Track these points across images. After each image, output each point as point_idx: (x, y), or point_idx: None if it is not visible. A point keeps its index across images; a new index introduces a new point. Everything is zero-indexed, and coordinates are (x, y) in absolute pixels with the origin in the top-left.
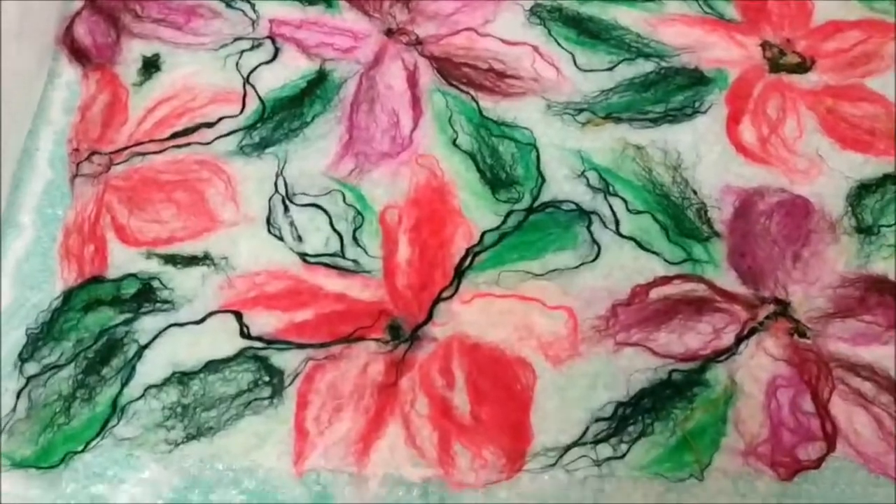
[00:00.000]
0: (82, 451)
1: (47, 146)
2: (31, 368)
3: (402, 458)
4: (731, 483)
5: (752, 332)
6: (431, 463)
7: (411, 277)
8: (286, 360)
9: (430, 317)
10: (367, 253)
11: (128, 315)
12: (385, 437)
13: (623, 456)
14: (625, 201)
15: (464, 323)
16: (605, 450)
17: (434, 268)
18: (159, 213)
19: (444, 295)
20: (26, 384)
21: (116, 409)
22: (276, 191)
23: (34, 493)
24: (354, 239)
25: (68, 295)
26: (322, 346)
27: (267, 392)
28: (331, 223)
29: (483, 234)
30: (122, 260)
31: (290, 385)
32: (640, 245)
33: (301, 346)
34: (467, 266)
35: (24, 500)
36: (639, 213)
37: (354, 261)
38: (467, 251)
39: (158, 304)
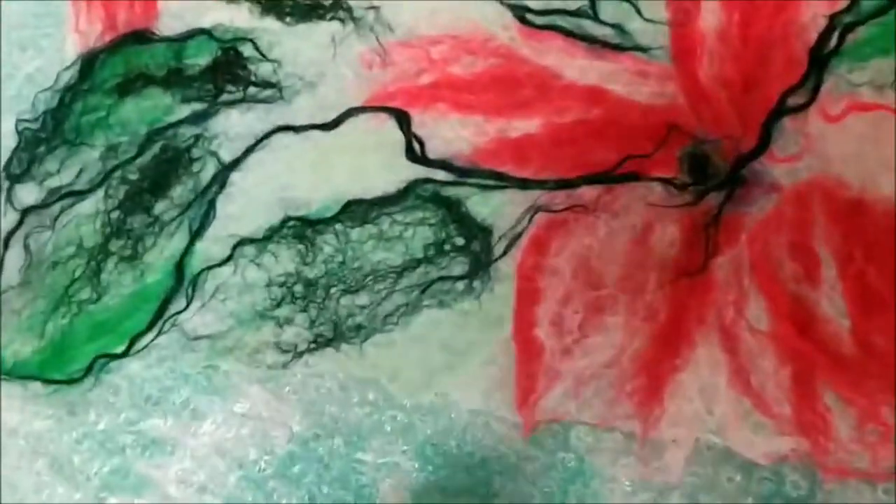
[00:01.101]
0: (124, 354)
1: None
2: (29, 194)
3: (726, 413)
4: None
5: None
6: (782, 426)
7: (726, 65)
8: (495, 209)
9: (764, 142)
10: (640, 13)
11: (197, 106)
12: (689, 368)
13: None
14: None
15: (833, 158)
16: None
17: (769, 48)
18: None
19: (792, 102)
20: (20, 222)
21: (183, 279)
22: None
23: (39, 425)
24: None
25: (89, 63)
26: (562, 185)
27: (461, 265)
28: None
29: None
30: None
31: (503, 255)
32: None
33: (523, 184)
34: (833, 49)
35: (20, 432)
36: None
37: (617, 26)
38: (832, 20)
39: (253, 89)
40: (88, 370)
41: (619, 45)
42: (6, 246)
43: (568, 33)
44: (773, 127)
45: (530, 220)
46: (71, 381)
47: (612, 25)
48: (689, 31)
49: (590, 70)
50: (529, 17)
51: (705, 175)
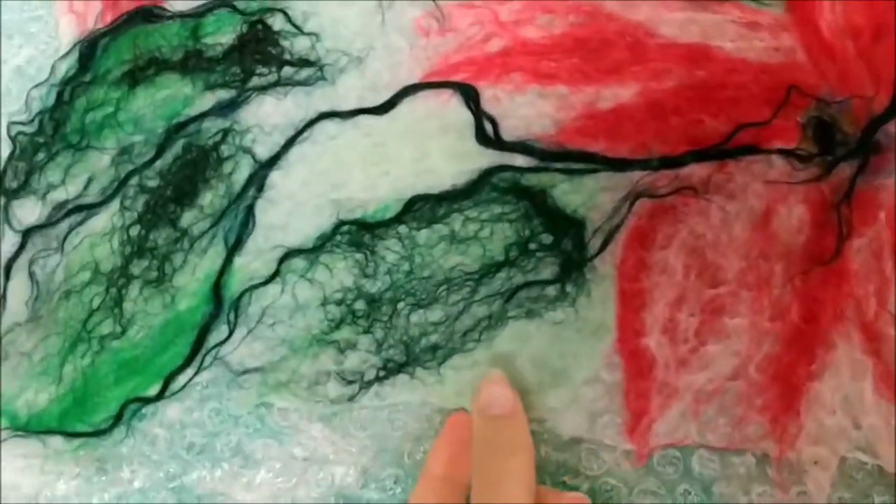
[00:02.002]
0: (158, 396)
1: None
2: (30, 212)
3: (875, 426)
4: None
5: None
6: None
7: (851, 10)
8: (588, 197)
9: None
10: None
11: (223, 94)
12: (827, 374)
13: None
14: None
15: None
16: None
17: None
18: None
19: None
20: (22, 246)
21: (223, 303)
22: None
23: (64, 488)
24: None
25: (89, 49)
26: (667, 164)
27: (550, 267)
28: None
29: None
30: None
31: (600, 252)
32: None
33: (620, 166)
34: None
35: (41, 497)
36: None
37: None
38: None
39: (288, 70)
40: (118, 418)
41: None
42: (7, 275)
43: None
44: None
45: (630, 209)
46: (98, 433)
47: None
48: None
49: (691, 24)
50: None
51: (832, 143)
